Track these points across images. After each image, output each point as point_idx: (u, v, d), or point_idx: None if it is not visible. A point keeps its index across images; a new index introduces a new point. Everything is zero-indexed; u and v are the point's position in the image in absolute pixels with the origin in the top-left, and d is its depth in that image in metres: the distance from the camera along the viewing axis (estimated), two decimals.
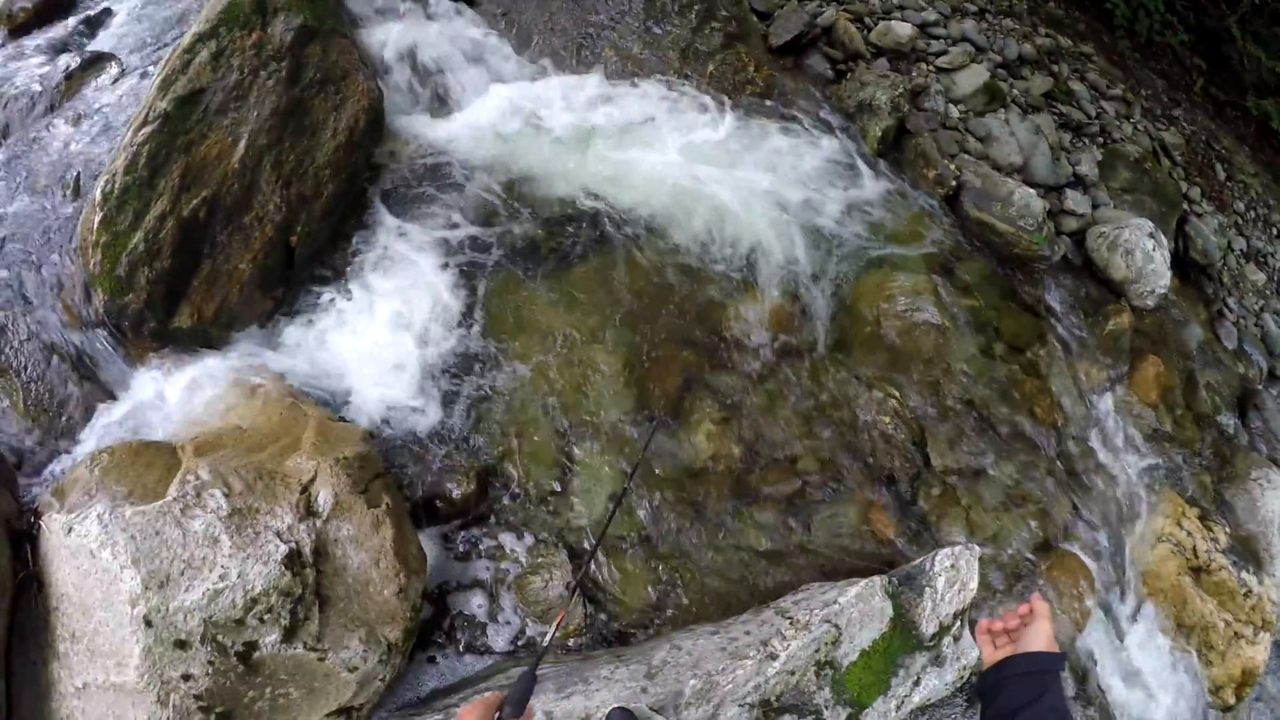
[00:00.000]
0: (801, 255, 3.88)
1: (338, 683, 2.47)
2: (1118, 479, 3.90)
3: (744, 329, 3.62)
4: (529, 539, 3.01)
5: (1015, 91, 5.14)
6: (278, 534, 2.51)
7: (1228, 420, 4.56)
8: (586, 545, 3.01)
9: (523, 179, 3.81)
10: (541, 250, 3.62)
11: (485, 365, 3.32)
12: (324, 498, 2.62)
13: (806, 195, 4.05)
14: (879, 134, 4.40)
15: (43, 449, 3.05)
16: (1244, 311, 5.22)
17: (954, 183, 4.40)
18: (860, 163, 4.31)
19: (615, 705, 2.23)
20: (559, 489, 3.11)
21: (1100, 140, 5.37)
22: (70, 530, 2.48)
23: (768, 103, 4.35)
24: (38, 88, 4.25)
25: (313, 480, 2.64)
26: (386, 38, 4.15)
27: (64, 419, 3.11)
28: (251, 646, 2.38)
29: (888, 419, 3.58)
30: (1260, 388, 4.92)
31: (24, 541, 2.62)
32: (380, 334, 3.30)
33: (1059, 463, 3.77)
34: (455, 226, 3.63)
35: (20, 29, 4.90)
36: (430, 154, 3.87)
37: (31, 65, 4.49)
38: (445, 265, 3.51)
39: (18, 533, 2.62)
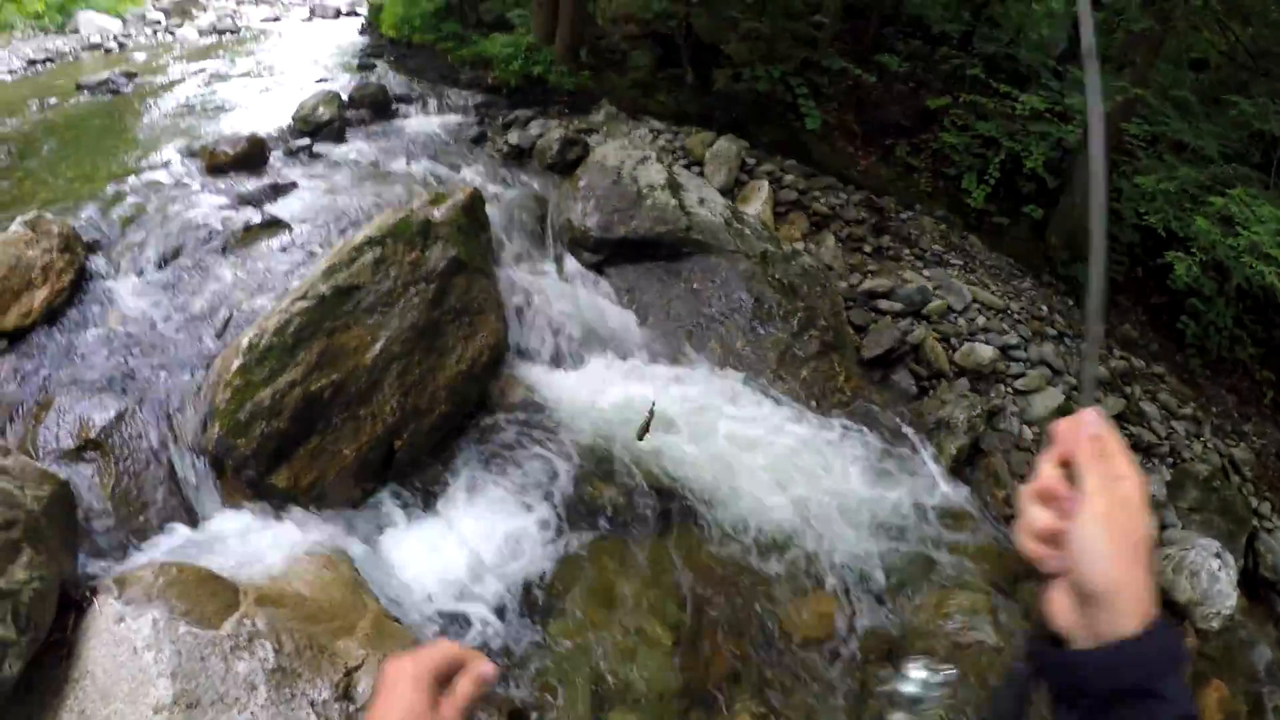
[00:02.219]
0: (865, 562, 4.00)
1: None
2: None
3: (797, 628, 3.70)
4: None
5: None
6: (312, 704, 2.59)
7: None
8: None
9: (615, 445, 4.10)
10: (617, 516, 3.84)
11: (541, 610, 3.46)
12: (365, 687, 2.70)
13: (878, 504, 4.23)
14: (954, 451, 4.63)
15: (112, 535, 3.27)
16: None
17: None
18: (933, 478, 4.49)
19: None
20: None
21: (1170, 460, 5.48)
22: (122, 620, 2.63)
23: (853, 411, 4.62)
24: (218, 227, 4.82)
25: (358, 667, 2.74)
26: (523, 288, 4.62)
27: (142, 518, 3.36)
28: None
29: None
30: None
31: (70, 609, 2.78)
32: (450, 552, 3.51)
33: None
34: (544, 474, 3.91)
35: (218, 169, 5.64)
36: (537, 401, 4.22)
37: (218, 205, 5.10)
38: (526, 507, 3.75)
39: (67, 597, 2.79)
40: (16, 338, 4.02)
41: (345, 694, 2.69)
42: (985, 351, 5.16)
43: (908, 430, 4.71)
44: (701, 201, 5.21)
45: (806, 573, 3.88)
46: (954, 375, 5.08)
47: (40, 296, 4.13)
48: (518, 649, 3.36)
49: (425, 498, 3.75)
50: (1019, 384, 5.20)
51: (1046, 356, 5.47)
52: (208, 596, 2.82)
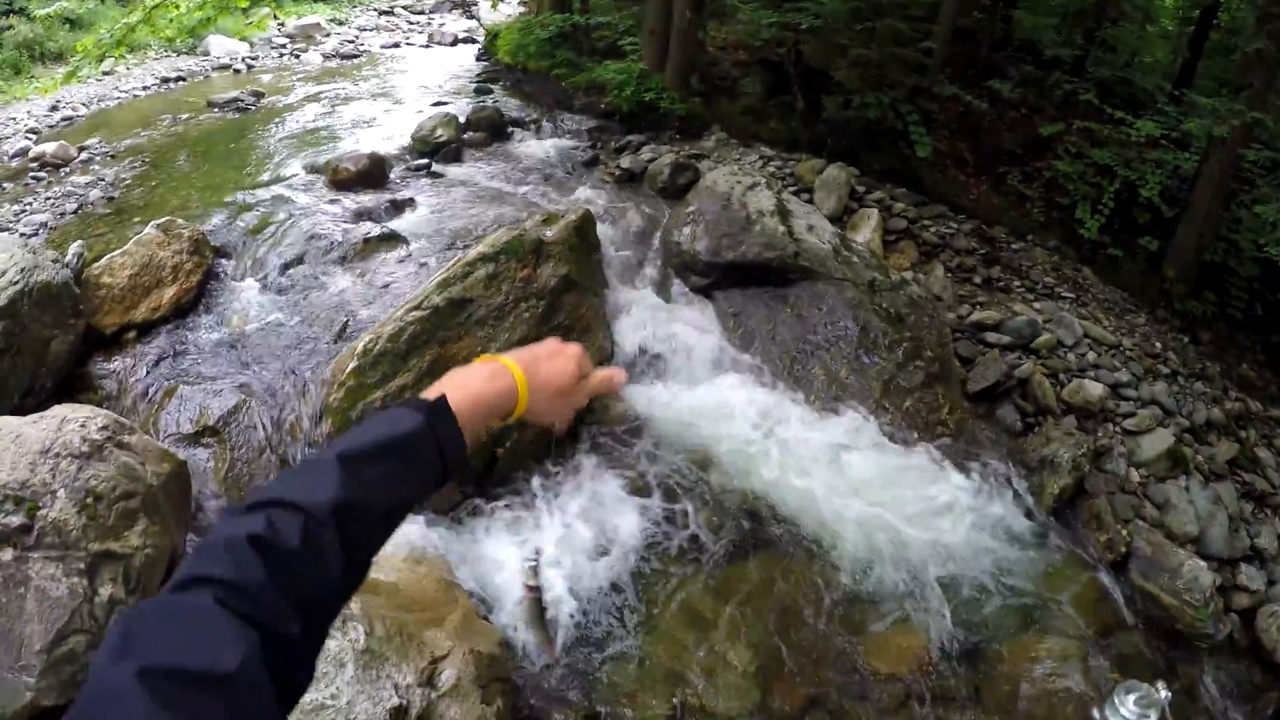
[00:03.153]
0: (955, 599, 4.00)
1: None
2: None
3: (881, 662, 3.71)
4: None
5: (1200, 458, 5.18)
6: (395, 686, 2.72)
7: None
8: None
9: (713, 467, 4.23)
10: (710, 536, 3.96)
11: (627, 623, 3.59)
12: (447, 676, 2.83)
13: (973, 542, 4.22)
14: (1056, 491, 4.58)
15: (219, 518, 3.56)
16: None
17: (1124, 549, 4.47)
18: (1033, 517, 4.46)
19: None
20: None
21: None
22: None
23: (956, 445, 4.62)
24: (339, 238, 5.10)
25: (444, 657, 2.88)
26: (631, 308, 4.82)
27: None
28: None
29: None
30: None
31: None
32: (543, 559, 3.68)
33: None
34: (640, 489, 4.07)
35: (341, 184, 5.95)
36: (639, 419, 4.38)
37: (340, 218, 5.40)
38: (621, 520, 3.91)
39: (175, 568, 3.10)
40: (145, 329, 4.41)
41: (429, 681, 2.83)
42: (1094, 389, 5.08)
43: (1009, 467, 4.68)
44: (810, 228, 5.29)
45: (895, 605, 3.91)
46: (1061, 412, 5.01)
47: (169, 294, 4.51)
48: (600, 658, 3.49)
49: (524, 502, 3.94)
50: (1128, 424, 5.09)
51: (1158, 396, 5.33)
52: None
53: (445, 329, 4.03)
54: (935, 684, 3.75)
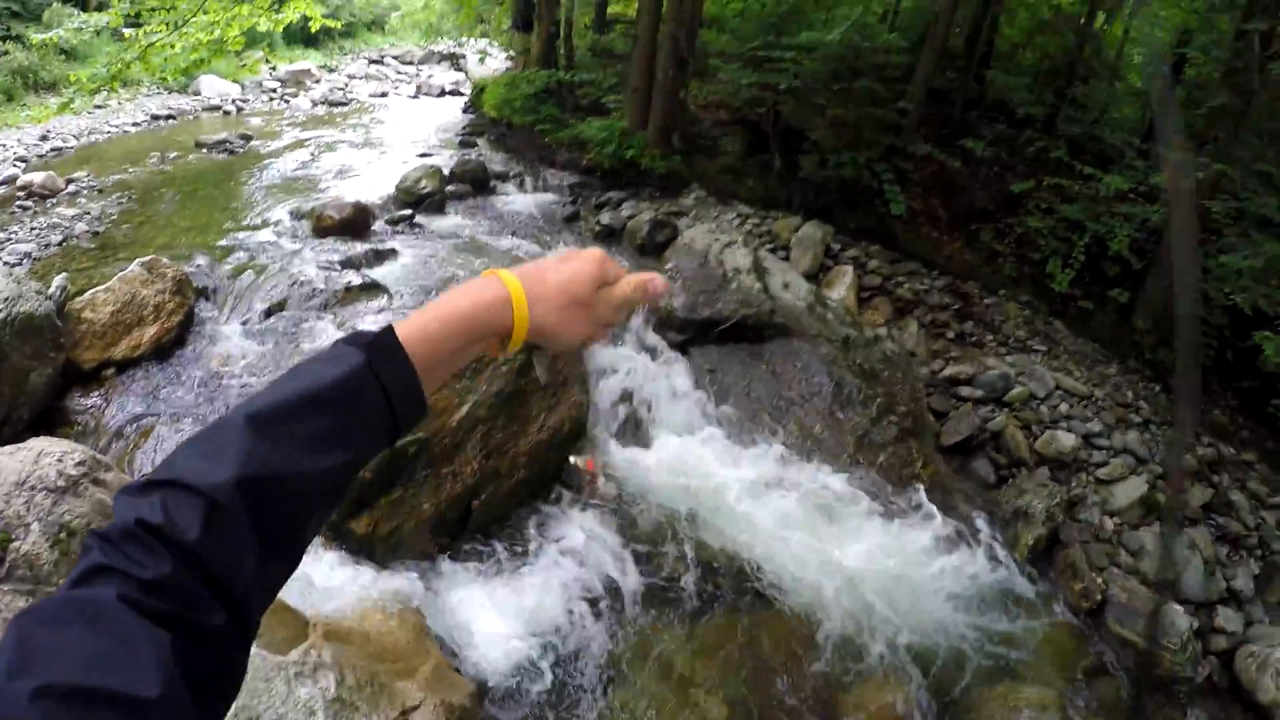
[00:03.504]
0: (932, 651, 4.04)
1: None
2: None
3: (861, 713, 3.74)
4: None
5: None
6: None
7: None
8: None
9: (690, 523, 4.29)
10: (687, 591, 4.01)
11: (601, 677, 3.61)
12: None
13: (950, 593, 4.28)
14: (1030, 542, 4.65)
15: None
16: None
17: (1099, 597, 4.51)
18: (1007, 569, 4.52)
19: None
20: None
21: (1259, 553, 5.32)
22: None
23: (931, 499, 4.68)
24: (321, 285, 5.15)
25: (415, 709, 2.88)
26: (608, 363, 4.89)
27: None
28: None
29: None
30: None
31: None
32: (516, 612, 3.73)
33: None
34: (614, 545, 4.12)
35: (325, 231, 6.02)
36: (614, 473, 4.45)
37: (322, 265, 5.45)
38: (594, 576, 3.95)
39: None
40: (125, 367, 4.42)
41: None
42: (1067, 440, 5.18)
43: (984, 520, 4.76)
44: (786, 285, 5.42)
45: (872, 660, 3.94)
46: (1034, 464, 5.11)
47: (150, 332, 4.52)
48: (575, 711, 3.50)
49: (497, 558, 3.98)
50: (1101, 473, 5.17)
51: (1130, 444, 5.42)
52: (278, 625, 3.01)
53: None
54: None
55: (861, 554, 4.29)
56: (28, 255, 5.52)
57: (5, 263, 5.22)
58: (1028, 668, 4.17)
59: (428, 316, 0.84)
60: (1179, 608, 4.49)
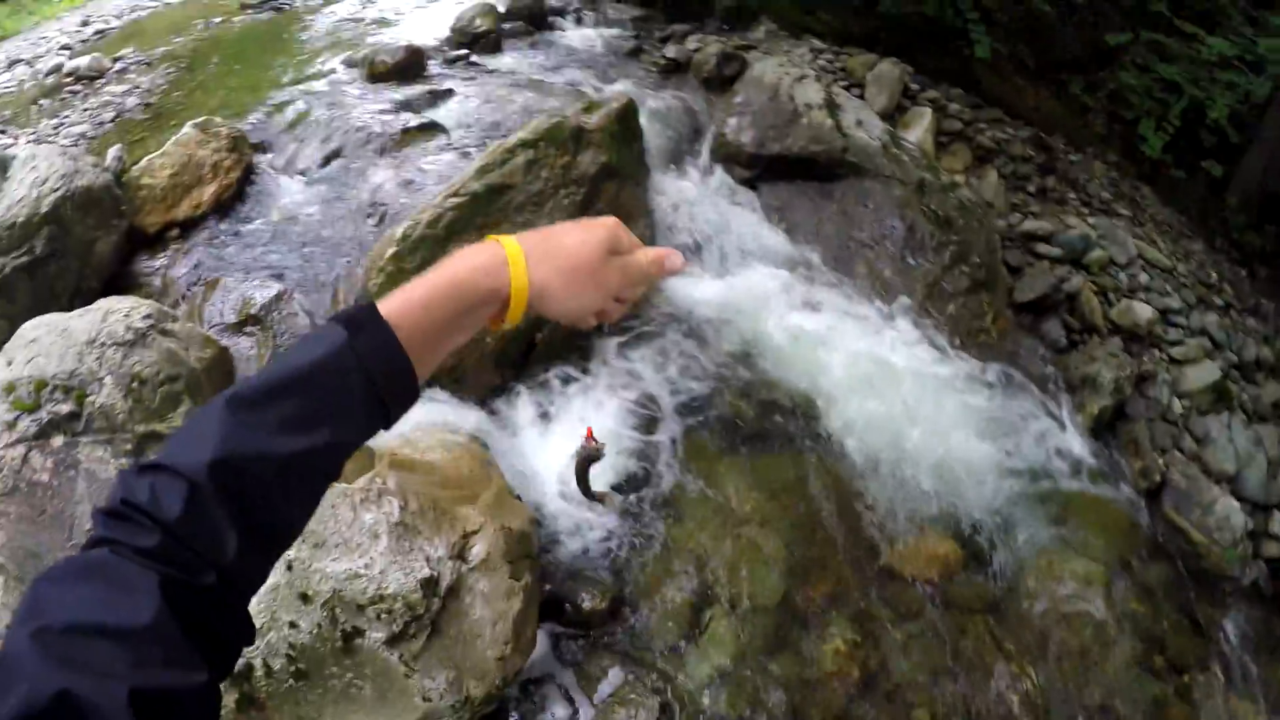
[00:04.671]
0: (987, 509, 3.92)
1: (407, 703, 2.69)
2: None
3: (907, 563, 3.68)
4: (631, 677, 3.11)
5: (1245, 396, 5.00)
6: (427, 558, 2.79)
7: None
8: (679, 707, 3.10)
9: (751, 358, 4.13)
10: (746, 426, 3.88)
11: (659, 509, 3.56)
12: (478, 550, 2.91)
13: (1009, 453, 4.11)
14: (1095, 412, 4.41)
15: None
16: None
17: (1158, 478, 4.34)
18: (1070, 436, 4.33)
19: None
20: (679, 648, 3.24)
21: None
22: None
23: (998, 355, 4.47)
24: (377, 130, 5.04)
25: (475, 532, 2.94)
26: (673, 198, 4.66)
27: None
28: (358, 632, 2.66)
29: (1016, 699, 3.56)
30: None
31: None
32: (575, 443, 3.64)
33: None
34: (678, 379, 3.98)
35: (378, 77, 5.81)
36: (677, 306, 4.28)
37: (377, 111, 5.31)
38: (657, 409, 3.83)
39: None
40: (188, 227, 4.45)
41: (460, 554, 2.88)
42: (1144, 311, 4.86)
43: (1051, 383, 4.53)
44: (859, 124, 5.02)
45: (926, 510, 3.84)
46: (1107, 332, 4.81)
47: (209, 191, 4.53)
48: (630, 542, 3.46)
49: (558, 391, 3.88)
50: (1175, 352, 4.88)
51: (1209, 327, 5.10)
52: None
53: (484, 215, 3.96)
54: (956, 593, 3.70)
55: (925, 403, 4.13)
56: (82, 136, 5.47)
57: (61, 145, 5.16)
58: (1077, 539, 4.04)
59: (414, 286, 0.81)
60: (1236, 504, 4.30)
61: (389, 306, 0.79)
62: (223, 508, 0.69)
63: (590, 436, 1.85)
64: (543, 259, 0.86)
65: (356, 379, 0.75)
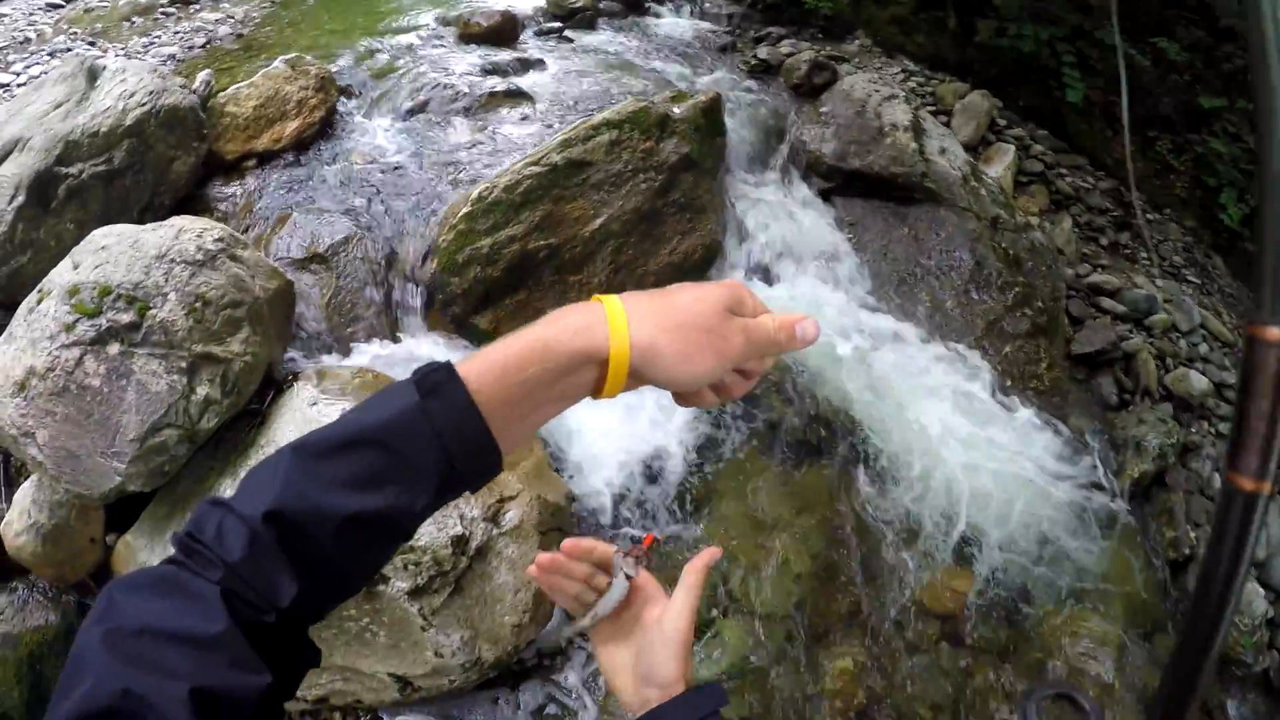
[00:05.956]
0: (1012, 553, 3.89)
1: (418, 655, 2.75)
2: None
3: (927, 594, 3.68)
4: None
5: None
6: (461, 517, 2.85)
7: None
8: None
9: (804, 370, 4.13)
10: (786, 436, 3.89)
11: (690, 507, 3.59)
12: (511, 516, 2.97)
13: (1044, 501, 4.08)
14: (1136, 475, 4.35)
15: (321, 338, 3.69)
16: None
17: (1187, 552, 4.28)
18: (1106, 495, 4.28)
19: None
20: (695, 641, 3.28)
21: None
22: (314, 404, 3.00)
23: (1047, 403, 4.44)
24: (464, 89, 5.07)
25: (512, 498, 3.00)
26: (748, 198, 4.68)
27: (350, 329, 3.77)
28: (382, 579, 2.71)
29: None
30: None
31: (269, 387, 3.19)
32: (619, 432, 3.70)
33: None
34: None
35: (471, 38, 5.85)
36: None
37: (466, 71, 5.34)
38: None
39: (270, 377, 3.22)
40: (266, 158, 4.47)
41: (494, 518, 2.94)
42: (1199, 382, 4.79)
43: (1095, 439, 4.47)
44: (942, 151, 4.99)
45: (953, 545, 3.83)
46: (1159, 397, 4.74)
47: (292, 126, 4.54)
48: (657, 532, 3.48)
49: None
50: (1224, 427, 4.80)
51: None
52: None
53: (561, 187, 4.00)
54: (971, 631, 3.69)
55: (968, 439, 4.11)
56: (171, 57, 5.48)
57: (150, 64, 5.18)
58: (1098, 600, 4.00)
59: (496, 347, 0.74)
60: (1261, 590, 4.24)
61: (467, 368, 0.72)
62: (280, 558, 0.69)
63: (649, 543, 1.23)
64: (648, 315, 0.75)
65: (427, 443, 0.70)
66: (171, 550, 0.72)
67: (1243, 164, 6.31)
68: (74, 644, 0.63)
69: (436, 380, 0.72)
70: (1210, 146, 6.42)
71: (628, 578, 1.10)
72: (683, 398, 0.84)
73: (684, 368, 0.76)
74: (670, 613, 1.03)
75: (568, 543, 1.06)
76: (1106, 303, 4.96)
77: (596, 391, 0.77)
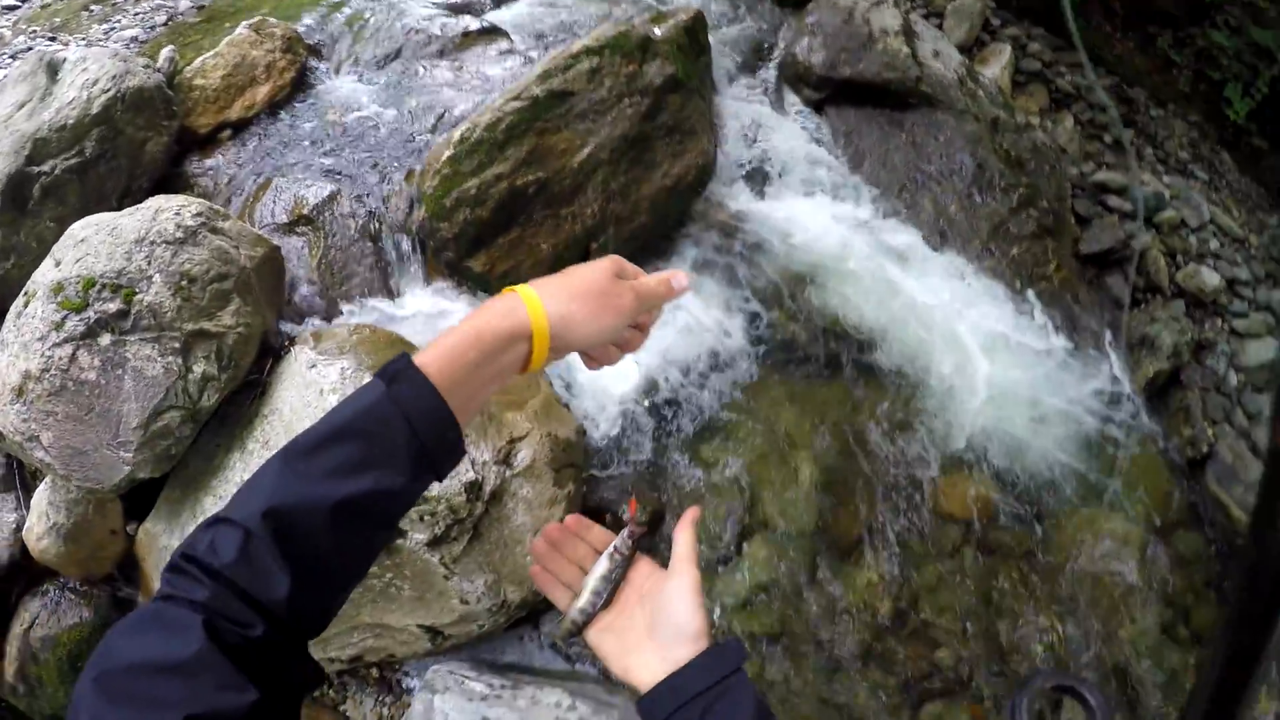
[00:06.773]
0: (1029, 457, 3.85)
1: (446, 605, 2.75)
2: None
3: (946, 504, 3.64)
4: None
5: None
6: (472, 462, 2.81)
7: None
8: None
9: (809, 285, 4.03)
10: (799, 353, 3.82)
11: (703, 428, 3.55)
12: (523, 457, 2.93)
13: (1059, 403, 4.03)
14: (1151, 374, 4.28)
15: (314, 300, 3.61)
16: None
17: (1205, 449, 4.23)
18: (1122, 395, 4.23)
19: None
20: (714, 566, 3.25)
21: None
22: (314, 367, 2.95)
23: (1057, 303, 4.35)
24: (437, 32, 4.89)
25: (521, 438, 2.96)
26: (738, 115, 4.53)
27: (344, 287, 3.69)
28: (400, 533, 2.68)
29: (1040, 649, 3.52)
30: None
31: (268, 355, 3.15)
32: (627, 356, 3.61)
33: None
34: (731, 299, 3.92)
35: None
36: (738, 227, 4.18)
37: (438, 13, 5.13)
38: (708, 326, 3.78)
39: (267, 346, 3.17)
40: (240, 127, 4.32)
41: (505, 459, 2.89)
42: (1211, 278, 4.68)
43: (1109, 338, 4.40)
44: (935, 54, 4.82)
45: (969, 451, 3.78)
46: (1171, 294, 4.66)
47: (263, 91, 4.39)
48: (672, 461, 3.43)
49: None
50: (1238, 324, 4.72)
51: (1274, 303, 4.91)
52: (395, 354, 3.04)
53: (544, 120, 3.88)
54: (994, 536, 3.66)
55: (979, 342, 4.04)
56: (134, 39, 5.26)
57: (112, 49, 4.98)
58: (1118, 499, 3.96)
59: (440, 339, 0.86)
60: None
61: (421, 358, 0.83)
62: (273, 551, 0.74)
63: (634, 512, 1.24)
64: (556, 292, 0.90)
65: (398, 425, 0.80)
66: (188, 537, 0.78)
67: (1246, 57, 6.12)
68: (74, 691, 0.68)
69: (397, 369, 0.83)
70: (1213, 40, 6.23)
71: (628, 549, 1.11)
72: (593, 359, 1.01)
73: (594, 326, 0.92)
74: (676, 566, 1.03)
75: (571, 518, 1.13)
76: (1114, 201, 4.83)
77: (526, 365, 0.91)
